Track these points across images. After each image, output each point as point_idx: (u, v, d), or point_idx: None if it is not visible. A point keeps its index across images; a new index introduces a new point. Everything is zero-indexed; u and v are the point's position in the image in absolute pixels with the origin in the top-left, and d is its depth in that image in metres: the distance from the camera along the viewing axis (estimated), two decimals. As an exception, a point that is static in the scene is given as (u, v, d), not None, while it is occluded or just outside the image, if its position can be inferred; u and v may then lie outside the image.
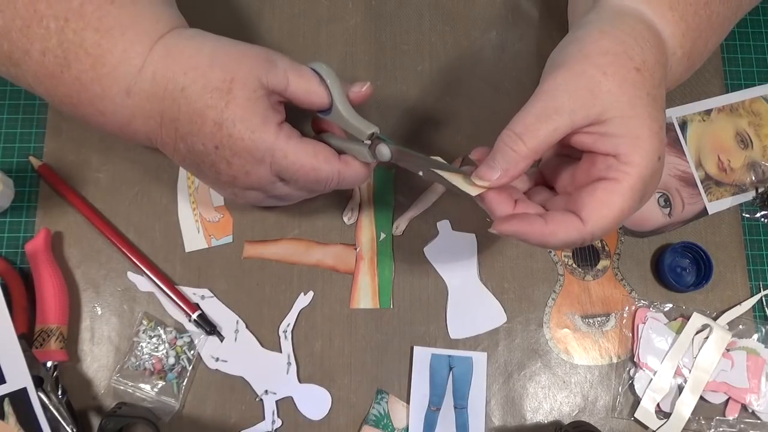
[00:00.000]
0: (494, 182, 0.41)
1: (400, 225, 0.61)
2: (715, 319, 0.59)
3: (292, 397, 0.57)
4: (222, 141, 0.45)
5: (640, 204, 0.41)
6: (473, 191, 0.43)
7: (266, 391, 0.57)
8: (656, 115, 0.41)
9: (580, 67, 0.41)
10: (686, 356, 0.58)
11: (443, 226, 0.61)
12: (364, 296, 0.59)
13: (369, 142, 0.48)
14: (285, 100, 0.48)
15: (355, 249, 0.60)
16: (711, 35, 0.47)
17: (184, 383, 0.56)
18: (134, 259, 0.58)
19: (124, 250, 0.58)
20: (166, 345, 0.56)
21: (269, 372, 0.57)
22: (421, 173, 0.46)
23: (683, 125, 0.64)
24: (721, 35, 0.50)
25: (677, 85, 0.49)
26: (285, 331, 0.58)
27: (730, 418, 0.58)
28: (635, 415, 0.58)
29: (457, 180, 0.43)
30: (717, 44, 0.51)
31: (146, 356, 0.56)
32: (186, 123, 0.45)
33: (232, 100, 0.44)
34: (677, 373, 0.58)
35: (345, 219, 0.60)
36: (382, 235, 0.60)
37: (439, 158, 0.46)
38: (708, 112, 0.65)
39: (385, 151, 0.47)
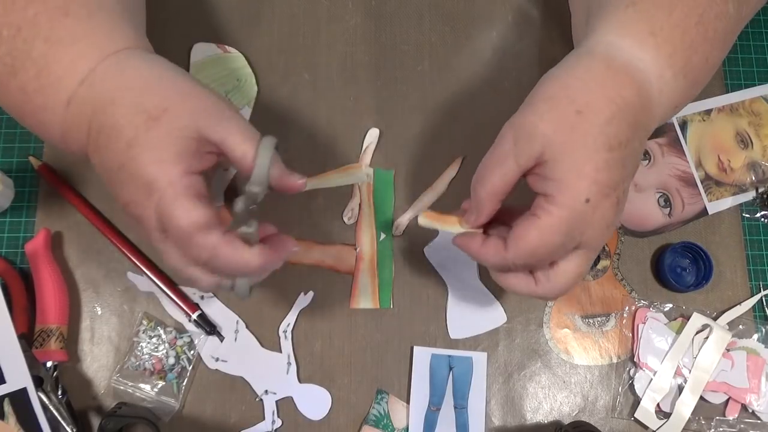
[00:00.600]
0: (472, 223, 0.47)
1: (400, 225, 0.61)
2: (715, 319, 0.59)
3: (292, 397, 0.57)
4: (125, 162, 0.42)
5: (567, 240, 0.43)
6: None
7: (266, 391, 0.57)
8: (596, 156, 0.42)
9: (523, 113, 0.44)
10: (686, 356, 0.58)
11: (443, 226, 0.61)
12: (364, 296, 0.59)
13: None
14: (219, 152, 0.44)
15: (355, 249, 0.60)
16: (711, 50, 0.47)
17: (184, 383, 0.56)
18: (134, 259, 0.58)
19: (124, 250, 0.58)
20: (166, 345, 0.56)
21: (269, 372, 0.57)
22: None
23: (683, 125, 0.64)
24: (725, 48, 0.50)
25: (686, 102, 0.49)
26: (285, 331, 0.58)
27: (730, 418, 0.58)
28: (635, 415, 0.58)
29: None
30: (723, 57, 0.50)
31: (146, 356, 0.56)
32: (104, 135, 0.43)
33: (155, 127, 0.41)
34: (677, 373, 0.58)
35: (345, 219, 0.60)
36: (382, 235, 0.60)
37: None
38: (708, 112, 0.65)
39: (238, 202, 0.44)
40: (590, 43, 0.46)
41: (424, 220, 0.49)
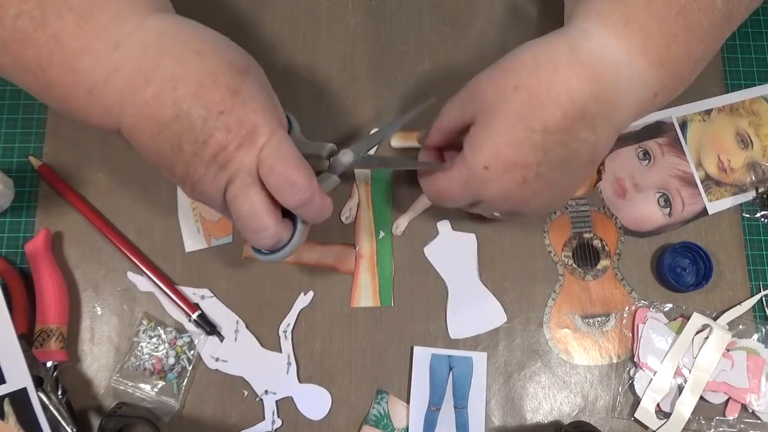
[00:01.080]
0: (420, 141, 0.55)
1: (401, 225, 0.61)
2: (715, 319, 0.59)
3: (292, 397, 0.57)
4: (232, 108, 0.43)
5: (466, 193, 0.48)
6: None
7: (266, 391, 0.57)
8: (512, 132, 0.44)
9: (487, 71, 0.47)
10: (686, 356, 0.58)
11: (443, 226, 0.61)
12: (365, 294, 0.59)
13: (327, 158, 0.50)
14: None
15: (355, 248, 0.60)
16: (695, 42, 0.47)
17: (184, 383, 0.56)
18: (134, 259, 0.58)
19: (124, 250, 0.58)
20: (166, 345, 0.56)
21: (269, 372, 0.57)
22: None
23: (683, 125, 0.64)
24: (714, 42, 0.49)
25: (670, 92, 0.48)
26: (285, 331, 0.58)
27: (730, 418, 0.58)
28: (635, 415, 0.58)
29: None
30: (710, 51, 0.50)
31: (146, 356, 0.56)
32: (191, 84, 0.42)
33: (248, 80, 0.44)
34: (677, 373, 0.58)
35: (343, 218, 0.60)
36: (381, 234, 0.60)
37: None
38: (708, 112, 0.65)
39: (345, 158, 0.49)
40: (567, 28, 0.47)
41: (396, 142, 0.60)
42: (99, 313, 0.58)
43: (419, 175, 0.53)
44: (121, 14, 0.43)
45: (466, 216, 0.61)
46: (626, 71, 0.45)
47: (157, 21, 0.44)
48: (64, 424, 0.53)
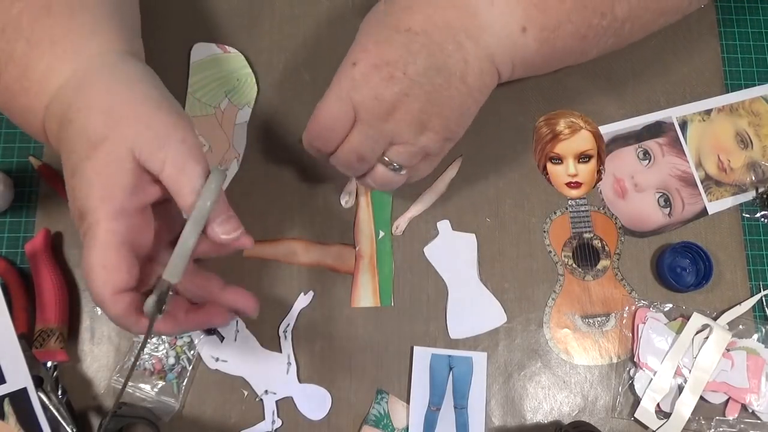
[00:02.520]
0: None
1: (400, 225, 0.61)
2: (715, 319, 0.59)
3: (292, 397, 0.57)
4: (69, 185, 0.43)
5: (342, 105, 0.47)
6: None
7: (266, 391, 0.57)
8: (378, 31, 0.47)
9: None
10: (686, 356, 0.58)
11: (443, 226, 0.61)
12: (365, 294, 0.59)
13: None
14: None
15: (355, 248, 0.60)
16: (564, 20, 0.48)
17: (184, 383, 0.56)
18: (134, 259, 0.58)
19: (124, 250, 0.58)
20: (166, 345, 0.56)
21: (269, 372, 0.57)
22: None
23: (683, 125, 0.64)
24: (584, 27, 0.49)
25: (539, 29, 0.48)
26: (285, 331, 0.58)
27: (730, 418, 0.58)
28: (635, 415, 0.58)
29: None
30: (591, 15, 0.49)
31: (146, 356, 0.56)
32: (64, 151, 0.43)
33: (93, 157, 0.41)
34: (677, 373, 0.58)
35: (342, 202, 0.60)
36: (381, 234, 0.60)
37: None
38: (708, 112, 0.65)
39: (150, 302, 0.42)
40: None
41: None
42: (99, 313, 0.58)
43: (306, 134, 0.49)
44: (51, 71, 0.43)
45: (467, 216, 0.61)
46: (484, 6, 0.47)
47: (69, 81, 0.43)
48: (64, 424, 0.53)
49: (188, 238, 0.42)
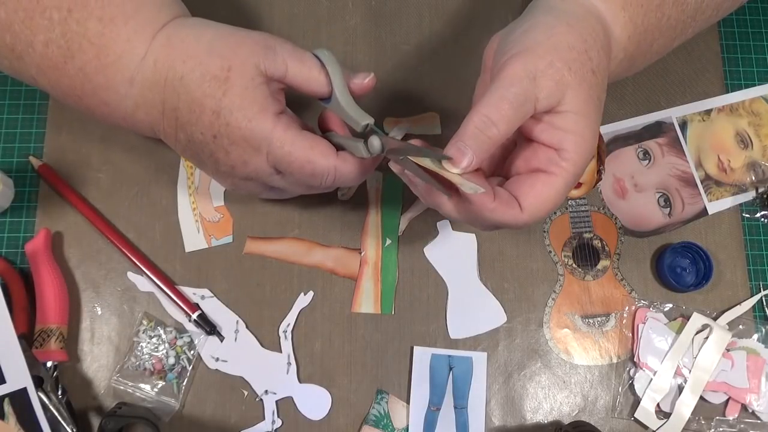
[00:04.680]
0: (468, 167, 0.40)
1: (400, 225, 0.61)
2: (715, 319, 0.59)
3: (292, 397, 0.57)
4: (220, 130, 0.44)
5: (562, 199, 0.43)
6: (453, 177, 0.41)
7: (266, 391, 0.57)
8: (598, 119, 0.43)
9: (549, 57, 0.41)
10: (686, 356, 0.58)
11: (443, 226, 0.61)
12: (366, 301, 0.59)
13: (363, 136, 0.46)
14: (285, 86, 0.47)
15: (360, 253, 0.60)
16: (658, 37, 0.48)
17: (184, 383, 0.56)
18: (134, 259, 0.58)
19: (124, 250, 0.58)
20: (166, 345, 0.56)
21: (269, 372, 0.57)
22: (401, 160, 0.43)
23: (683, 125, 0.64)
24: (671, 39, 0.50)
25: (628, 71, 0.50)
26: (285, 331, 0.58)
27: (730, 418, 0.58)
28: (635, 415, 0.58)
29: (436, 166, 0.42)
30: (665, 47, 0.50)
31: (146, 356, 0.56)
32: (185, 112, 0.45)
33: (230, 89, 0.43)
34: (677, 373, 0.58)
35: (339, 195, 0.60)
36: (388, 241, 0.60)
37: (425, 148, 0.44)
38: (708, 112, 0.65)
39: (376, 143, 0.45)
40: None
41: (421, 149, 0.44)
42: (99, 313, 0.58)
43: (493, 213, 0.41)
44: (131, 44, 0.45)
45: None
46: (613, 62, 0.46)
47: (156, 46, 0.45)
48: (64, 424, 0.53)
49: (341, 95, 0.46)
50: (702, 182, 0.63)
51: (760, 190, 0.63)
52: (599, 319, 0.60)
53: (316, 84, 0.46)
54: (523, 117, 0.41)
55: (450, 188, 0.42)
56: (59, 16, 0.44)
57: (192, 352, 0.57)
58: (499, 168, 0.47)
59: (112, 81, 0.45)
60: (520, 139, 0.45)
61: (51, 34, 0.44)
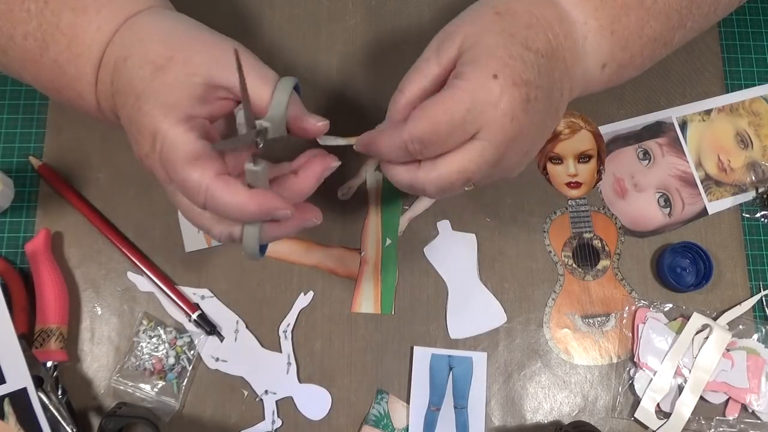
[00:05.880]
0: (324, 129, 0.44)
1: (400, 225, 0.61)
2: (715, 319, 0.59)
3: (292, 397, 0.57)
4: (133, 115, 0.41)
5: (468, 117, 0.40)
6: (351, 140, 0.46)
7: (266, 391, 0.57)
8: (511, 46, 0.41)
9: (448, 24, 0.45)
10: (686, 356, 0.58)
11: (443, 226, 0.61)
12: (366, 301, 0.59)
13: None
14: (234, 98, 0.43)
15: (360, 253, 0.60)
16: (648, 18, 0.47)
17: (184, 383, 0.56)
18: (134, 259, 0.58)
19: (124, 250, 0.58)
20: (166, 345, 0.56)
21: (269, 372, 0.57)
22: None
23: (683, 125, 0.64)
24: (671, 23, 0.48)
25: (619, 66, 0.47)
26: (285, 331, 0.58)
27: (730, 418, 0.58)
28: (635, 415, 0.58)
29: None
30: (667, 31, 0.49)
31: (146, 356, 0.56)
32: (121, 94, 0.43)
33: (160, 77, 0.40)
34: (677, 373, 0.58)
35: (339, 194, 0.60)
36: (388, 241, 0.60)
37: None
38: (708, 112, 0.65)
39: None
40: None
41: (325, 140, 0.46)
42: (99, 313, 0.58)
43: (376, 141, 0.44)
44: (101, 33, 0.43)
45: (466, 216, 0.61)
46: (581, 29, 0.45)
47: (118, 34, 0.43)
48: (64, 424, 0.53)
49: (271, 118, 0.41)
50: (702, 182, 0.63)
51: (760, 190, 0.63)
52: (599, 319, 0.60)
53: (258, 98, 0.42)
54: (424, 77, 0.43)
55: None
56: (36, 7, 0.43)
57: (192, 352, 0.57)
58: None
59: (82, 71, 0.44)
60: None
61: (28, 26, 0.43)
